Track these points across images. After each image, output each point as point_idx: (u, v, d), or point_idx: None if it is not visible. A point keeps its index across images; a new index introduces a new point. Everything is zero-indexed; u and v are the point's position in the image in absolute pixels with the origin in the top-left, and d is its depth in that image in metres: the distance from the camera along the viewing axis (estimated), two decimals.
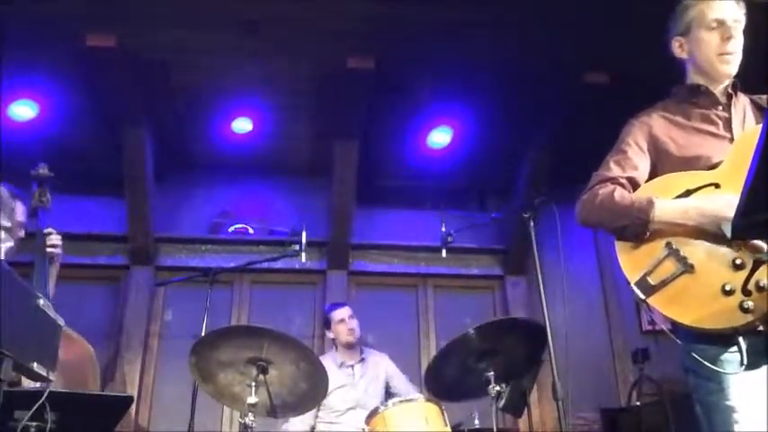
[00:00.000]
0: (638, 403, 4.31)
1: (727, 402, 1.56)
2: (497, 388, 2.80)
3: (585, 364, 4.64)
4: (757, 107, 1.88)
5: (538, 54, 4.01)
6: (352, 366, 3.88)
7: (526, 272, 5.19)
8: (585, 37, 3.83)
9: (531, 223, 2.78)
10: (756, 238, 1.55)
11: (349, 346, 3.91)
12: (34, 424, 1.99)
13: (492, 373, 2.81)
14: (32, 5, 3.56)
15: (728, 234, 1.54)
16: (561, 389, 2.44)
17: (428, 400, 3.00)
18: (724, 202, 1.59)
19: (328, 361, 3.91)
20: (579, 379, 4.30)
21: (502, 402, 3.23)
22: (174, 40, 3.88)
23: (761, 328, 1.55)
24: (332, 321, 3.96)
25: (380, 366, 3.93)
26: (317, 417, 3.70)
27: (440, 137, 4.74)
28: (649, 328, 4.87)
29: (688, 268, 1.60)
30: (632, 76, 3.97)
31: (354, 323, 3.93)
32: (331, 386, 3.73)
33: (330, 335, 4.00)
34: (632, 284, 1.64)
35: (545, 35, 3.88)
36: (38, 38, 3.79)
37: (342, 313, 3.95)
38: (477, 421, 3.48)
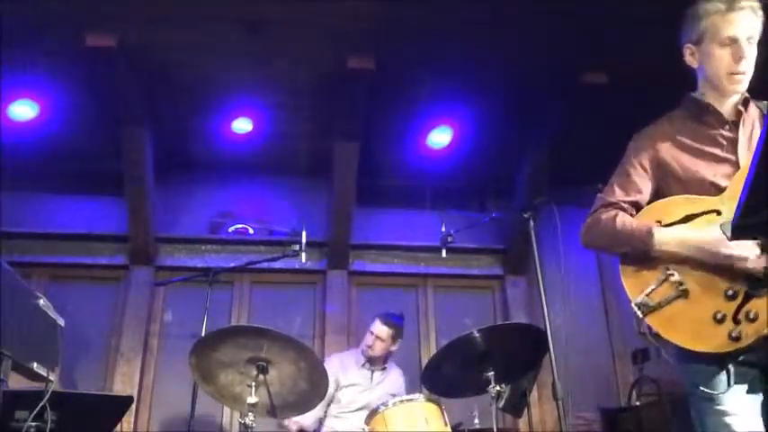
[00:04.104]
0: (637, 403, 4.31)
1: (719, 407, 1.64)
2: (497, 388, 2.80)
3: (585, 364, 4.65)
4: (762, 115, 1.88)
5: (537, 54, 4.01)
6: (372, 371, 3.90)
7: (526, 272, 5.19)
8: (585, 37, 3.83)
9: (531, 223, 2.78)
10: (756, 238, 1.56)
11: (367, 358, 3.90)
12: (34, 424, 1.99)
13: (492, 373, 2.81)
14: (32, 5, 3.56)
15: (729, 234, 1.55)
16: (561, 389, 2.44)
17: (428, 399, 3.00)
18: (720, 237, 1.63)
19: (350, 357, 3.97)
20: (579, 379, 4.31)
21: (502, 402, 3.24)
22: (174, 40, 3.87)
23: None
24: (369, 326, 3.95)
25: (396, 383, 3.96)
26: (326, 411, 3.74)
27: (440, 137, 4.74)
28: None
29: (683, 294, 1.68)
30: (631, 76, 3.97)
31: (376, 344, 3.85)
32: (346, 381, 3.80)
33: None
34: (632, 304, 1.73)
35: (545, 35, 3.88)
36: (38, 38, 3.79)
37: (372, 326, 3.91)
38: (476, 420, 3.48)
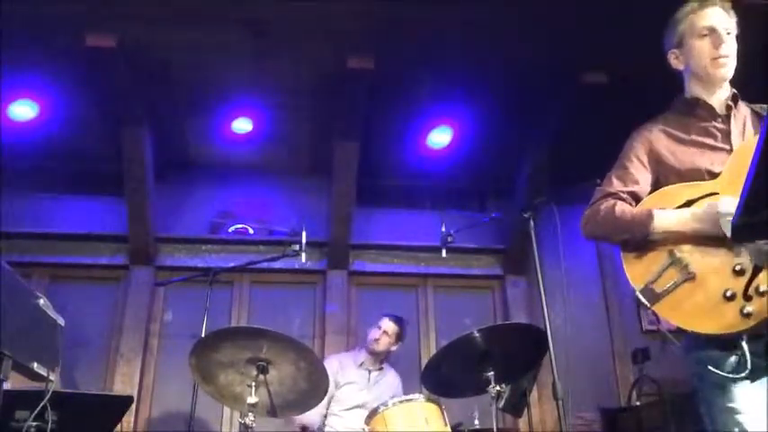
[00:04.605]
0: (638, 403, 4.31)
1: (730, 404, 1.60)
2: (497, 388, 2.80)
3: (585, 364, 4.64)
4: (757, 116, 1.89)
5: (537, 54, 4.01)
6: (369, 371, 3.96)
7: (526, 272, 5.18)
8: (585, 37, 3.83)
9: (531, 223, 2.78)
10: (756, 239, 1.56)
11: (370, 353, 3.98)
12: (35, 424, 1.99)
13: (492, 373, 2.81)
14: (32, 5, 3.55)
15: (728, 234, 1.55)
16: (561, 389, 2.44)
17: (428, 399, 3.00)
18: (718, 203, 1.63)
19: (349, 358, 4.04)
20: (579, 379, 4.30)
21: (502, 402, 3.24)
22: (174, 39, 3.87)
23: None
24: (376, 323, 4.04)
25: (393, 384, 4.00)
26: (328, 408, 3.79)
27: (440, 137, 4.74)
28: (649, 328, 4.87)
29: (690, 276, 1.64)
30: (631, 76, 3.97)
31: (382, 338, 3.95)
32: (344, 380, 3.86)
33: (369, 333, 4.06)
34: (637, 293, 1.69)
35: (545, 35, 3.88)
36: (38, 38, 3.79)
37: (380, 322, 4.01)
38: (476, 421, 3.48)
